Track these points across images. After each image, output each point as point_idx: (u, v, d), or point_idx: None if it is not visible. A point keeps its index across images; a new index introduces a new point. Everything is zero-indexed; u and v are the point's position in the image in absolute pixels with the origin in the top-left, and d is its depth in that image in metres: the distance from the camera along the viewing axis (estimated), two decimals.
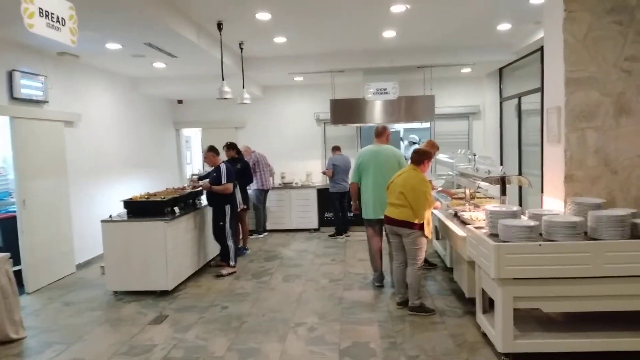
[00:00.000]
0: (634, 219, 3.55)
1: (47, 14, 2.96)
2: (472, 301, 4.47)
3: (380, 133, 5.71)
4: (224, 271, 6.36)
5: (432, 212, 5.34)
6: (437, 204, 5.45)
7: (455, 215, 5.23)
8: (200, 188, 6.69)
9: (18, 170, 5.81)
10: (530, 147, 7.85)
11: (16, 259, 5.60)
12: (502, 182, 4.66)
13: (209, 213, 6.70)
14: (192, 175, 8.61)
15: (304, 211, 9.30)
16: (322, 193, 9.15)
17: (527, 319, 3.83)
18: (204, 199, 6.89)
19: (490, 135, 9.52)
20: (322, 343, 4.17)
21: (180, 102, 10.52)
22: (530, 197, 7.68)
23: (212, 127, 10.34)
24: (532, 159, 7.66)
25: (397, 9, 5.47)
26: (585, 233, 3.58)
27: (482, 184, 5.04)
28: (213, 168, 6.51)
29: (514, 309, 3.50)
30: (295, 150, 10.13)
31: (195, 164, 12.15)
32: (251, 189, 8.40)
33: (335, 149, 8.86)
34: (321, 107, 9.80)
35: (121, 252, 5.55)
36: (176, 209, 5.98)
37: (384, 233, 5.49)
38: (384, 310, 4.89)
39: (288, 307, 5.10)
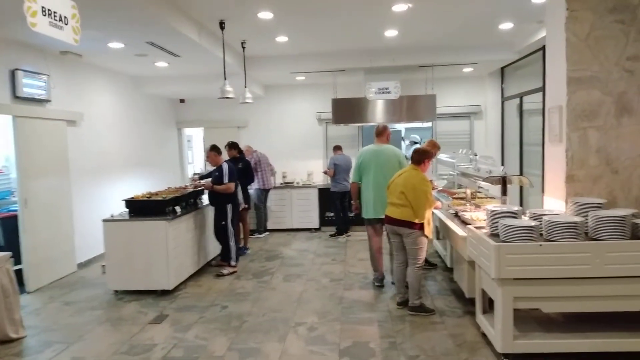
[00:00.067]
0: (635, 219, 3.54)
1: (49, 12, 2.96)
2: (472, 301, 4.46)
3: (381, 132, 5.71)
4: (225, 271, 6.36)
5: (432, 212, 5.33)
6: (438, 203, 5.44)
7: (456, 215, 5.22)
8: (202, 187, 6.69)
9: (20, 169, 5.83)
10: (531, 147, 7.83)
11: (17, 258, 5.62)
12: (503, 182, 4.64)
13: (210, 212, 6.71)
14: (194, 174, 8.62)
15: (305, 211, 9.30)
16: (323, 193, 9.14)
17: (527, 319, 3.82)
18: (205, 199, 6.90)
19: (492, 135, 9.50)
20: (322, 343, 4.16)
21: (182, 101, 10.53)
22: (531, 197, 7.66)
23: (214, 126, 10.35)
24: (534, 158, 7.64)
25: (399, 8, 5.47)
26: (586, 233, 3.57)
27: (483, 183, 5.03)
28: (215, 167, 6.52)
29: (514, 309, 3.49)
30: (296, 150, 10.12)
31: (197, 164, 12.16)
32: (252, 189, 8.41)
33: (337, 148, 8.86)
34: (323, 107, 9.79)
35: (122, 252, 5.55)
36: (177, 209, 5.99)
37: (384, 233, 5.48)
38: (384, 310, 4.88)
39: (288, 306, 5.10)
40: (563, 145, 4.00)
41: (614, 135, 3.94)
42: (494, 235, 3.71)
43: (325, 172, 9.04)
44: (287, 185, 9.48)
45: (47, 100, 6.24)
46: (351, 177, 5.95)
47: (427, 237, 4.77)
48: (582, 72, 3.93)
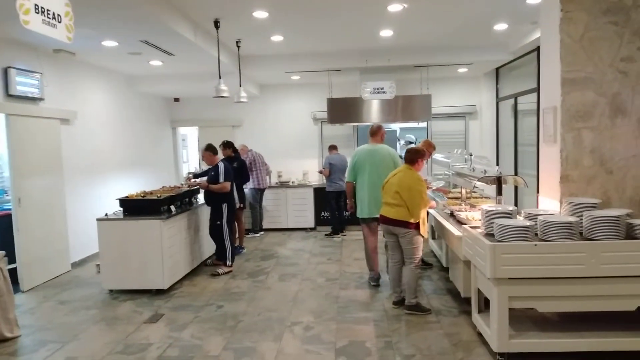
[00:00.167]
0: (629, 219, 3.56)
1: (43, 10, 2.95)
2: (467, 301, 4.48)
3: (375, 132, 5.72)
4: (220, 270, 6.35)
5: (427, 212, 5.34)
6: (432, 203, 5.46)
7: (452, 214, 5.24)
8: (197, 186, 6.67)
9: (13, 168, 5.78)
10: (526, 147, 7.87)
11: (11, 257, 5.59)
12: (498, 182, 4.67)
13: (205, 212, 6.69)
14: (188, 173, 8.61)
15: (300, 210, 9.30)
16: (319, 192, 9.15)
17: (522, 319, 3.84)
18: (200, 198, 6.88)
19: (487, 135, 9.54)
20: (318, 342, 4.17)
21: (176, 100, 10.48)
22: (526, 197, 7.70)
23: (209, 125, 10.32)
24: (528, 159, 7.68)
25: (394, 8, 5.48)
26: (581, 233, 3.59)
27: (478, 183, 5.05)
28: (211, 167, 6.49)
29: (509, 309, 3.50)
30: (291, 149, 10.12)
31: (191, 163, 12.12)
32: (247, 188, 8.39)
33: (332, 148, 8.86)
34: (318, 106, 9.79)
35: (117, 251, 5.53)
36: (172, 208, 5.97)
37: (379, 232, 5.49)
38: (380, 309, 4.89)
39: (284, 306, 5.10)
40: (557, 145, 4.03)
41: (608, 136, 3.96)
42: (489, 235, 3.72)
43: (320, 172, 9.05)
44: (283, 184, 9.48)
45: (41, 99, 6.20)
46: (346, 176, 5.95)
47: (422, 236, 4.78)
48: (576, 73, 3.95)
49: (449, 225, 4.93)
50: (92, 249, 6.90)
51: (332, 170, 8.52)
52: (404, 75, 8.75)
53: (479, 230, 3.93)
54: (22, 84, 5.84)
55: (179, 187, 6.83)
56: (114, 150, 8.10)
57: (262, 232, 9.00)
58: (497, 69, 9.02)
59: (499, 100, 9.09)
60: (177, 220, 5.96)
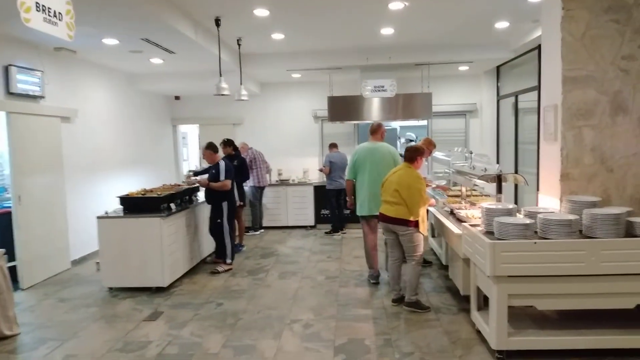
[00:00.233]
0: (629, 217, 3.56)
1: (44, 8, 2.95)
2: (467, 298, 4.47)
3: (375, 130, 5.71)
4: (220, 268, 6.35)
5: (427, 210, 5.34)
6: (432, 200, 5.46)
7: (451, 212, 5.24)
8: (197, 184, 6.67)
9: (14, 165, 5.79)
10: (526, 145, 7.87)
11: (11, 255, 5.60)
12: (498, 180, 4.66)
13: (205, 210, 6.69)
14: (189, 171, 8.61)
15: (300, 208, 9.31)
16: (319, 190, 9.15)
17: (522, 317, 3.84)
18: (200, 196, 6.88)
19: (487, 133, 9.53)
20: (317, 340, 4.17)
21: (177, 98, 10.48)
22: (526, 195, 7.69)
23: (210, 123, 10.32)
24: (529, 157, 7.67)
25: (395, 6, 5.47)
26: (581, 231, 3.59)
27: (479, 181, 5.05)
28: (212, 165, 6.49)
29: (509, 307, 3.50)
30: (292, 147, 10.12)
31: (192, 161, 12.13)
32: (247, 186, 8.39)
33: (333, 146, 8.86)
34: (319, 104, 9.78)
35: (117, 249, 5.53)
36: (172, 206, 5.97)
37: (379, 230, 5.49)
38: (379, 307, 4.89)
39: (284, 304, 5.11)
40: (558, 143, 4.02)
41: (609, 134, 3.96)
42: (489, 233, 3.72)
43: (320, 170, 9.04)
44: (283, 182, 9.48)
45: (41, 97, 6.20)
46: (346, 174, 5.95)
47: (422, 234, 4.78)
48: (577, 71, 3.94)
49: (449, 223, 4.92)
50: (92, 246, 6.90)
51: (332, 168, 8.51)
52: (405, 73, 8.74)
53: (479, 228, 3.93)
54: (23, 82, 5.84)
55: (179, 185, 6.83)
56: (114, 148, 8.11)
57: (262, 230, 9.01)
58: (498, 67, 9.01)
59: (499, 98, 9.09)
60: (177, 218, 5.97)
